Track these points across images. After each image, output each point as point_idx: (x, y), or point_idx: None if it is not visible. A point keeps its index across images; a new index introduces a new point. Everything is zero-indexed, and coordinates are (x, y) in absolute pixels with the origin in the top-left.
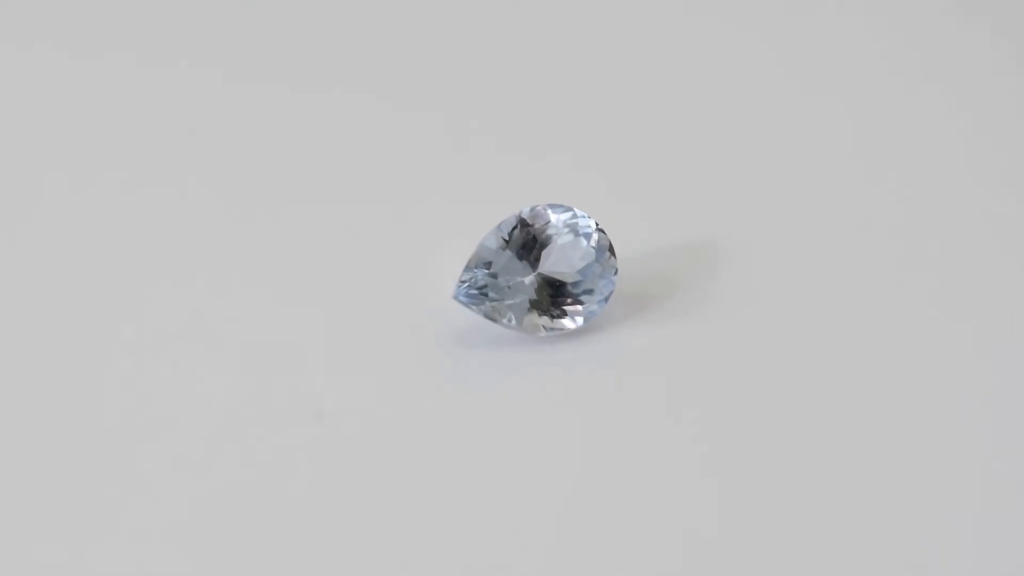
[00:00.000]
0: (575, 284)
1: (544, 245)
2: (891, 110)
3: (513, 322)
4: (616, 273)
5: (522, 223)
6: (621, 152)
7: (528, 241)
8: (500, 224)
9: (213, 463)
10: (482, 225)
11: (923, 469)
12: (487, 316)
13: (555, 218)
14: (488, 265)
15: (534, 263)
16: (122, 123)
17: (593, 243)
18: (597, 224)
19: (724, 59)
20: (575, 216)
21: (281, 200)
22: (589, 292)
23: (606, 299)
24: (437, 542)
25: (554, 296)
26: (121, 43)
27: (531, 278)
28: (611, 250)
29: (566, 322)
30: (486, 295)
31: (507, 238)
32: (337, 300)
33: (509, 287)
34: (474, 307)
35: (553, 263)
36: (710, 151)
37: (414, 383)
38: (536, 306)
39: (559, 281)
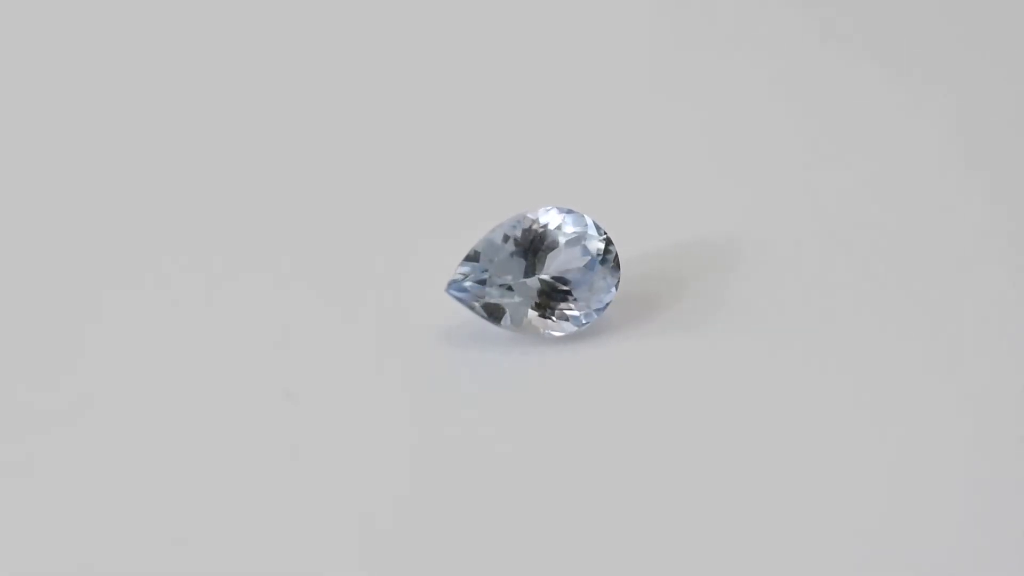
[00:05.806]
0: (576, 289)
1: (550, 248)
2: (893, 110)
3: (511, 323)
4: (617, 285)
5: (529, 224)
6: (626, 149)
7: (533, 242)
8: (504, 222)
9: (199, 460)
10: (481, 223)
11: (929, 474)
12: (482, 315)
13: (563, 221)
14: (484, 261)
15: (538, 265)
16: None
17: (598, 252)
18: (605, 232)
19: (729, 57)
20: (584, 222)
21: (270, 193)
22: (587, 299)
23: (602, 309)
24: (427, 545)
25: (553, 299)
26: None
27: (533, 280)
28: (616, 262)
29: (564, 326)
30: (478, 291)
31: (511, 236)
32: (327, 296)
33: (505, 287)
34: (465, 303)
35: (557, 267)
36: (716, 150)
37: (405, 385)
38: (536, 309)
39: (560, 285)
